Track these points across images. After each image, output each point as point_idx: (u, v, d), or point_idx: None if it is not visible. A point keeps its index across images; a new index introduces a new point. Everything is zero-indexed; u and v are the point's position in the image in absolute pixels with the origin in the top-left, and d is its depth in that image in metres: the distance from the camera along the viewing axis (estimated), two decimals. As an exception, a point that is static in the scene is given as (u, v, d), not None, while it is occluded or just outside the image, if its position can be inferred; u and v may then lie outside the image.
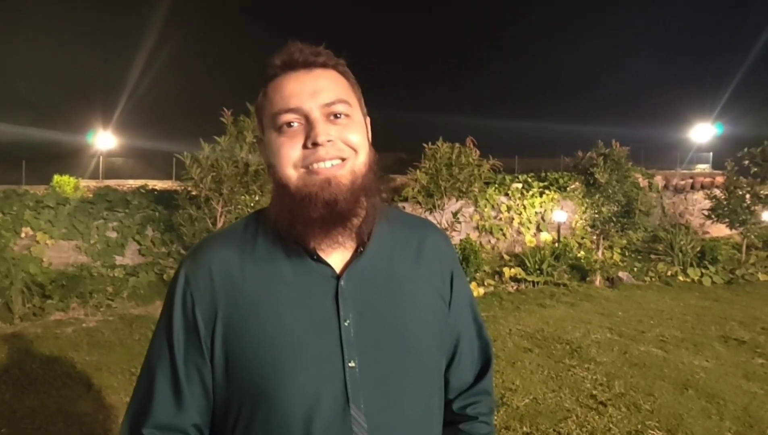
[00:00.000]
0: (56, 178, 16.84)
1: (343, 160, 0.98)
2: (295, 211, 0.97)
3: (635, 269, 10.09)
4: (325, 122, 0.97)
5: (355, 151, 1.00)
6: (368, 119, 1.09)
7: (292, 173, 0.98)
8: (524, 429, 3.96)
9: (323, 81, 1.00)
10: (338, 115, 0.99)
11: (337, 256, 1.02)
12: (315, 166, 0.96)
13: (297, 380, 0.95)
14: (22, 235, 7.89)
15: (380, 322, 1.01)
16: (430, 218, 8.84)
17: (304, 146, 0.97)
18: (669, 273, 9.82)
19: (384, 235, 1.07)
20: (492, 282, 8.92)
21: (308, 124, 0.97)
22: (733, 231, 11.59)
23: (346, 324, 0.98)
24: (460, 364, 1.17)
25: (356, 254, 1.03)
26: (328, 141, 0.96)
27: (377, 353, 0.99)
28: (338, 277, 1.00)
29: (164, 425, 0.99)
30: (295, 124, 0.97)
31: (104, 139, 35.17)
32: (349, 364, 0.97)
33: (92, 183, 24.59)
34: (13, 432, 3.93)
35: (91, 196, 9.16)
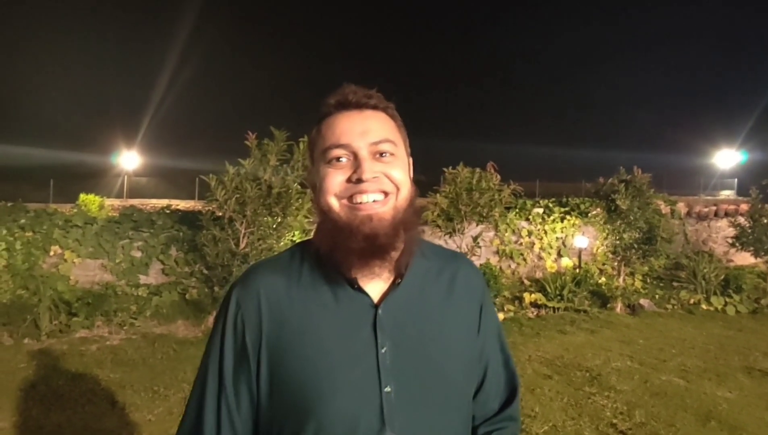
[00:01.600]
0: (82, 196, 17.23)
1: (386, 195, 1.06)
2: (336, 239, 1.05)
3: (657, 296, 9.99)
4: (372, 160, 1.05)
5: (398, 187, 1.07)
6: (411, 159, 1.17)
7: (334, 202, 1.05)
8: (543, 456, 3.96)
9: (372, 122, 1.08)
10: (384, 154, 1.07)
11: (375, 285, 1.09)
12: (357, 198, 1.04)
13: (337, 402, 1.01)
14: (51, 253, 8.07)
15: (414, 351, 1.07)
16: (450, 242, 8.91)
17: (349, 180, 1.04)
18: (692, 301, 9.70)
19: (419, 268, 1.14)
20: (512, 307, 8.90)
21: (356, 160, 1.05)
22: (758, 259, 11.42)
23: (383, 351, 1.04)
24: (486, 391, 1.23)
25: (393, 285, 1.09)
26: (373, 177, 1.04)
27: (411, 380, 1.05)
28: (376, 307, 1.07)
29: None
30: (344, 160, 1.05)
31: (128, 159, 35.89)
32: (386, 389, 1.03)
33: (116, 202, 25.09)
34: (39, 447, 4.02)
35: (116, 215, 9.35)
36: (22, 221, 8.03)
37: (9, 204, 8.50)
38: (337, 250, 1.05)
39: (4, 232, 7.94)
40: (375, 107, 1.10)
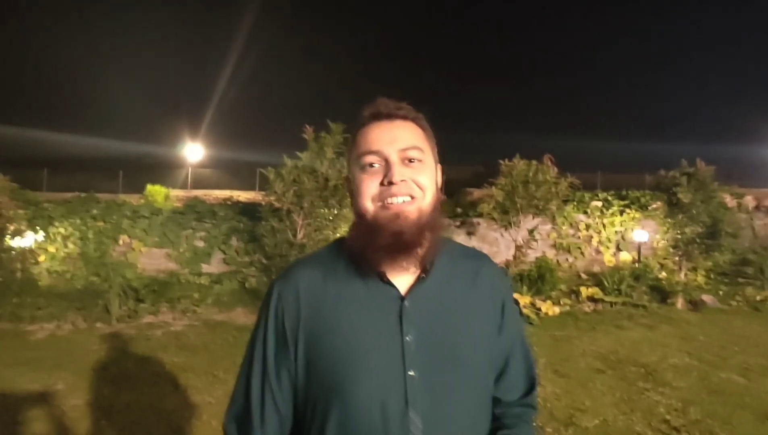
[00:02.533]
0: (149, 187, 17.89)
1: (413, 198, 1.16)
2: (367, 238, 1.16)
3: (721, 293, 9.68)
4: (401, 165, 1.16)
5: (423, 191, 1.17)
6: (440, 166, 1.27)
7: (369, 206, 1.16)
8: (592, 450, 3.96)
9: (401, 130, 1.19)
10: (412, 160, 1.17)
11: (402, 279, 1.19)
12: (388, 201, 1.14)
13: (364, 383, 1.12)
14: (120, 242, 8.49)
15: (437, 339, 1.17)
16: (506, 235, 8.89)
17: (381, 184, 1.15)
18: (758, 298, 9.36)
19: (444, 265, 1.24)
20: (568, 301, 8.81)
21: (387, 165, 1.16)
22: (832, 255, 10.91)
23: (407, 339, 1.15)
24: (508, 381, 1.33)
25: (419, 279, 1.20)
26: (402, 180, 1.14)
27: (433, 365, 1.15)
28: (403, 298, 1.18)
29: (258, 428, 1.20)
30: (376, 165, 1.17)
31: (193, 151, 36.90)
32: (410, 373, 1.13)
33: (181, 193, 25.87)
34: (110, 424, 4.29)
35: (180, 206, 9.74)
36: (94, 212, 8.48)
37: (82, 195, 8.97)
38: (368, 246, 1.16)
39: (78, 221, 8.41)
40: (404, 117, 1.22)
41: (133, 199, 13.97)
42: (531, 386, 1.35)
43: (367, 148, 1.18)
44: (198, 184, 32.13)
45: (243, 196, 20.17)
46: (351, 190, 1.24)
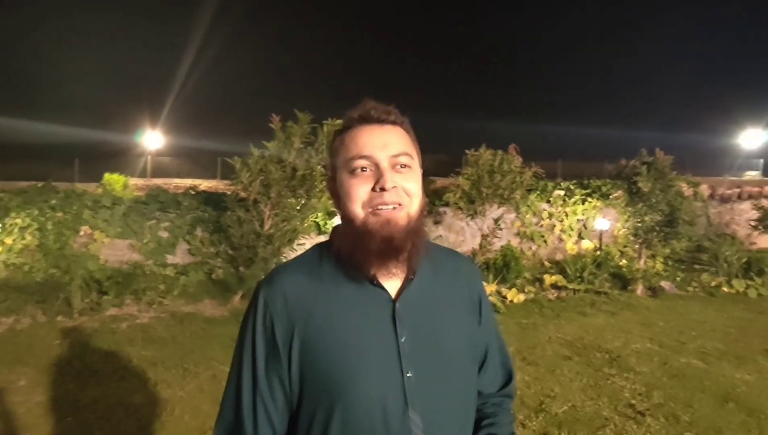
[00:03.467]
0: (106, 176, 17.46)
1: (401, 205, 1.16)
2: (357, 243, 1.16)
3: (678, 279, 9.99)
4: (392, 171, 1.16)
5: (411, 198, 1.18)
6: (421, 171, 1.28)
7: (359, 211, 1.16)
8: (562, 435, 4.06)
9: (392, 136, 1.20)
10: (402, 166, 1.18)
11: (390, 283, 1.21)
12: (379, 207, 1.14)
13: (364, 386, 1.13)
14: (81, 233, 8.29)
15: (428, 340, 1.20)
16: (472, 224, 8.98)
17: (373, 189, 1.15)
18: (713, 284, 9.68)
19: (426, 265, 1.26)
20: (532, 289, 8.96)
21: (378, 170, 1.16)
22: (782, 242, 11.35)
23: (402, 340, 1.16)
24: (487, 374, 1.39)
25: (407, 282, 1.21)
26: (393, 187, 1.15)
27: (428, 366, 1.18)
28: (394, 301, 1.19)
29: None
30: (367, 170, 1.16)
31: (152, 138, 36.23)
32: (407, 374, 1.15)
33: (140, 181, 25.38)
34: (76, 421, 4.20)
35: (142, 195, 9.56)
36: (53, 202, 8.25)
37: (39, 184, 8.72)
38: (357, 250, 1.16)
39: (36, 212, 8.17)
40: (393, 122, 1.22)
41: (90, 188, 13.64)
42: (509, 378, 1.42)
43: (357, 153, 1.17)
44: (158, 172, 31.56)
45: (205, 185, 19.87)
46: (337, 193, 1.23)
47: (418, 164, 1.24)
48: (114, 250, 8.47)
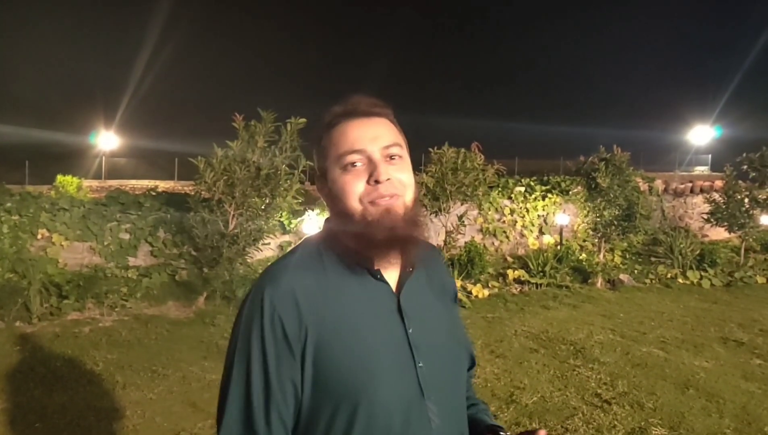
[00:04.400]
0: (59, 178, 17.00)
1: (397, 195, 1.16)
2: (360, 236, 1.15)
3: (636, 272, 10.27)
4: (385, 163, 1.16)
5: (405, 188, 1.19)
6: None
7: (357, 205, 1.15)
8: (533, 425, 4.16)
9: (381, 128, 1.20)
10: (393, 157, 1.18)
11: (389, 275, 1.22)
12: (376, 200, 1.14)
13: (387, 381, 1.13)
14: (39, 236, 8.05)
15: (430, 330, 1.22)
16: (436, 221, 9.07)
17: (367, 183, 1.15)
18: (669, 275, 10.00)
19: (417, 257, 1.27)
20: (496, 284, 9.10)
21: (371, 164, 1.15)
22: (732, 234, 11.77)
23: (410, 332, 1.18)
24: None
25: (407, 273, 1.23)
26: (387, 179, 1.14)
27: (433, 356, 1.20)
28: (397, 294, 1.20)
29: None
30: (359, 164, 1.15)
31: (107, 139, 35.41)
32: (419, 365, 1.16)
33: (95, 183, 24.81)
34: (46, 427, 4.11)
35: (100, 197, 9.34)
36: (8, 205, 7.99)
37: (-7, 187, 8.44)
38: (361, 243, 1.16)
39: (-10, 215, 7.91)
40: (380, 115, 1.22)
41: (42, 190, 13.23)
42: (473, 361, 1.43)
43: (349, 148, 1.15)
44: (113, 174, 30.90)
45: (162, 186, 19.52)
46: (329, 192, 1.20)
47: (408, 154, 1.24)
48: (73, 253, 8.25)
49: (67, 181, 16.81)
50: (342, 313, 1.15)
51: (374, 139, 1.16)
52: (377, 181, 1.13)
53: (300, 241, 1.33)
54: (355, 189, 1.15)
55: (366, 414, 1.11)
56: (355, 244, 1.17)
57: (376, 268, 1.18)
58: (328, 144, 1.20)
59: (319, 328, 1.12)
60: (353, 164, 1.15)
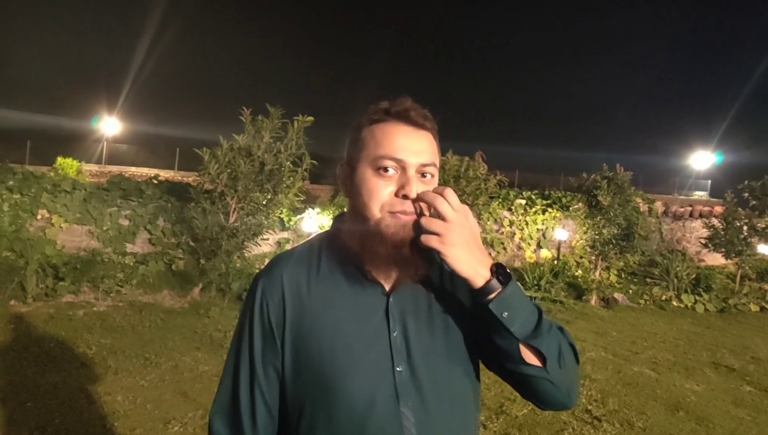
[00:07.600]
0: (59, 160, 16.96)
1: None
2: (366, 242, 1.14)
3: (630, 291, 10.31)
4: (417, 180, 1.13)
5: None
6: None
7: (377, 212, 1.13)
8: (523, 437, 4.17)
9: (426, 143, 1.17)
10: (426, 175, 1.15)
11: (387, 275, 1.20)
12: (399, 214, 1.11)
13: (356, 379, 1.13)
14: (39, 217, 8.05)
15: (422, 335, 1.19)
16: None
17: (396, 194, 1.12)
18: (663, 297, 10.03)
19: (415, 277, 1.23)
20: (491, 294, 9.10)
21: (403, 175, 1.13)
22: (729, 261, 11.83)
23: (394, 335, 1.17)
24: None
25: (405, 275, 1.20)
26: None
27: (420, 361, 1.17)
28: (388, 295, 1.19)
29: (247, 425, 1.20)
30: (392, 172, 1.13)
31: (109, 125, 35.33)
32: (398, 369, 1.15)
33: (95, 167, 24.75)
34: (37, 406, 4.11)
35: (100, 181, 9.34)
36: (10, 183, 7.99)
37: (-6, 164, 8.44)
38: (365, 252, 1.15)
39: (-8, 193, 7.91)
40: (429, 129, 1.19)
41: (42, 171, 13.18)
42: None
43: (390, 153, 1.13)
44: (113, 159, 30.78)
45: (162, 175, 19.47)
46: (352, 183, 1.19)
47: (438, 175, 1.21)
48: (72, 236, 8.25)
49: (67, 164, 16.76)
50: (324, 307, 1.18)
51: (417, 153, 1.14)
52: (405, 196, 1.11)
53: (310, 237, 1.36)
54: (381, 195, 1.13)
55: (328, 412, 1.14)
56: (360, 250, 1.16)
57: (367, 268, 1.17)
58: (368, 137, 1.17)
59: (298, 318, 1.17)
60: (386, 169, 1.13)
